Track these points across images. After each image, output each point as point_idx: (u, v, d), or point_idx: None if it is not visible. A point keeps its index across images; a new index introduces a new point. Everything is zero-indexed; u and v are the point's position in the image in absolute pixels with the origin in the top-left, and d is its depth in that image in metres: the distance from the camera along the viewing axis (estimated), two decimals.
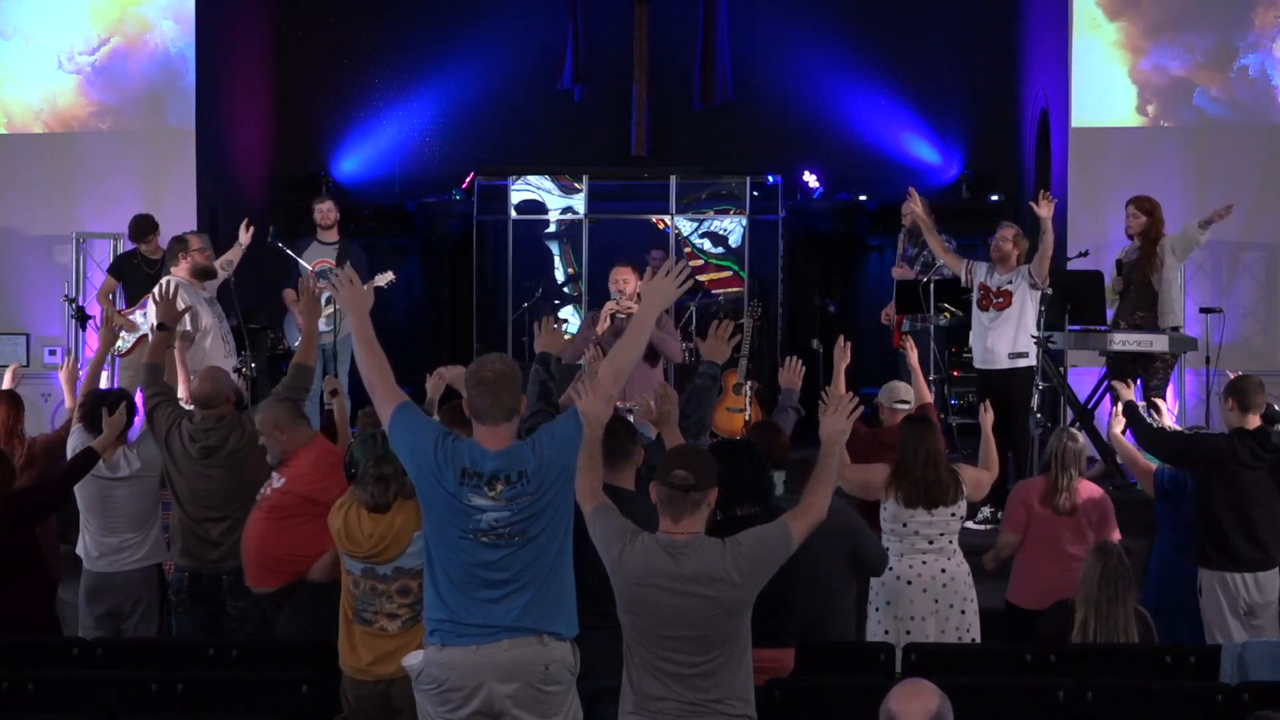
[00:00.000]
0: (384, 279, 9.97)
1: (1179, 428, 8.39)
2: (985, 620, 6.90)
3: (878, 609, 6.74)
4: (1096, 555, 6.16)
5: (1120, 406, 7.53)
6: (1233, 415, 7.08)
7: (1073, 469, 7.05)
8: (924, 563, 6.69)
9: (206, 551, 6.61)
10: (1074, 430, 7.37)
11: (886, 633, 6.65)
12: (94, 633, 6.92)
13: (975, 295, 9.24)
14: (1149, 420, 7.46)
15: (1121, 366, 9.64)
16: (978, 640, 6.71)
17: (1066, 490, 7.02)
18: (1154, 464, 7.49)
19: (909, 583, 6.66)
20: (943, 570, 6.70)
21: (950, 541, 6.75)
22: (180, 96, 11.54)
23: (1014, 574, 7.26)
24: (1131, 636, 6.06)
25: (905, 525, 6.69)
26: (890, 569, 6.69)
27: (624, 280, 8.53)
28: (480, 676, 4.77)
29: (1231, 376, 7.45)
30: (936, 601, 6.67)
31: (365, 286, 6.32)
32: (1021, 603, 7.08)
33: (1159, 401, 8.60)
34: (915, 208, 9.72)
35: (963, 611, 6.70)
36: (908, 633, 6.61)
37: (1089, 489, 7.15)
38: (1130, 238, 9.63)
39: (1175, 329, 9.47)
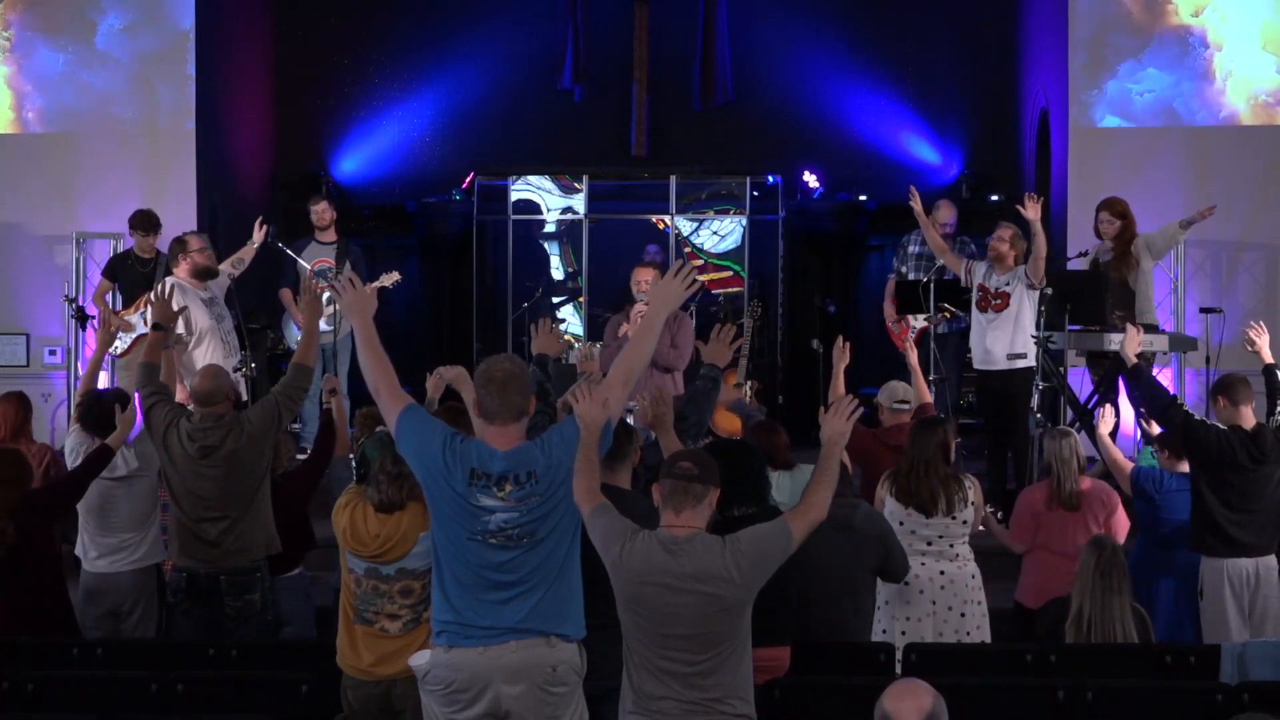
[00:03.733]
0: (390, 279, 10.01)
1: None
2: (994, 620, 6.88)
3: (878, 608, 6.72)
4: (1091, 548, 6.17)
5: (1130, 367, 7.39)
6: (1226, 411, 7.07)
7: (1073, 464, 7.08)
8: (922, 564, 6.69)
9: (205, 552, 6.58)
10: (1065, 428, 7.36)
11: (884, 631, 6.66)
12: (93, 633, 6.91)
13: (974, 296, 9.25)
14: (1160, 385, 7.38)
15: (1099, 366, 9.63)
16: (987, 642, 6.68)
17: (1070, 488, 7.06)
18: (1132, 464, 7.50)
19: (906, 583, 6.65)
20: (941, 573, 6.70)
21: (951, 545, 6.74)
22: (180, 97, 11.52)
23: (1023, 574, 7.28)
24: (1129, 629, 6.06)
25: (902, 524, 6.69)
26: None
27: (646, 281, 8.54)
28: (488, 678, 4.78)
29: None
30: (934, 604, 6.67)
31: (370, 287, 6.31)
32: (1029, 602, 7.09)
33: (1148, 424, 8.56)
34: (917, 206, 9.71)
35: (962, 614, 6.69)
36: (903, 633, 6.61)
37: (1089, 484, 7.19)
38: (1100, 238, 9.64)
39: (1152, 327, 9.48)
